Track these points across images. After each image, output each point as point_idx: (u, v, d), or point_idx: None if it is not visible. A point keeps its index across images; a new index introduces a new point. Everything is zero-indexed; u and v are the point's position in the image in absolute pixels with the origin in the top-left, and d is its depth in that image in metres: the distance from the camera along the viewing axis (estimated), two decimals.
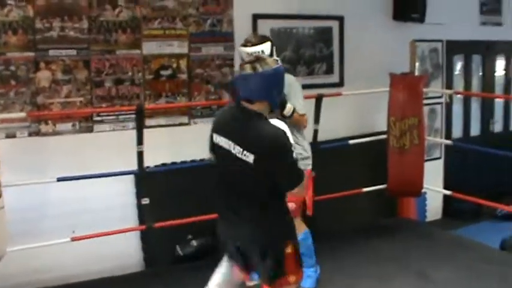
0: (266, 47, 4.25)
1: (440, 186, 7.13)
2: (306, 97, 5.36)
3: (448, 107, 7.49)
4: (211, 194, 3.41)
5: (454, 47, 7.46)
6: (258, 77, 3.01)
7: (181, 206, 5.15)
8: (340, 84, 6.28)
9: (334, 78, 6.27)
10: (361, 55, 6.37)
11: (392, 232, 6.07)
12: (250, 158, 2.96)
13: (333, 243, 5.60)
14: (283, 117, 4.14)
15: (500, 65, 8.42)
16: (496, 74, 8.37)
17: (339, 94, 5.85)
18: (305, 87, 5.76)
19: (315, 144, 5.44)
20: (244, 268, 3.34)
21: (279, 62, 3.40)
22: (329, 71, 6.23)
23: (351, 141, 5.98)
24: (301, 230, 4.55)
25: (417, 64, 6.96)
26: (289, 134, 3.04)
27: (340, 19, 6.28)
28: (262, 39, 4.32)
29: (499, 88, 8.42)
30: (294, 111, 4.27)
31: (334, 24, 6.26)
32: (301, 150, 4.45)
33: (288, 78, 4.03)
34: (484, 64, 8.13)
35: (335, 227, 5.94)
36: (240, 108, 3.10)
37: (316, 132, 5.49)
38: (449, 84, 7.47)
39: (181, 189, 5.24)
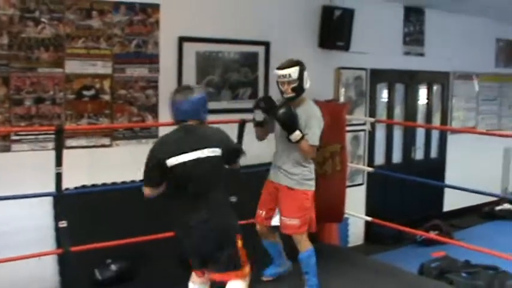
0: (293, 71, 4.69)
1: (362, 212, 7.23)
2: (229, 122, 5.40)
3: (371, 134, 7.63)
4: (166, 211, 3.92)
5: (378, 76, 7.63)
6: (189, 103, 3.84)
7: (101, 229, 5.05)
8: None
9: None
10: None
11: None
12: (218, 151, 3.84)
13: (256, 268, 5.57)
14: (290, 141, 4.70)
15: (422, 94, 8.65)
16: (418, 102, 8.59)
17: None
18: (229, 111, 5.85)
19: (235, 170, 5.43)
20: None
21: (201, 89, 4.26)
22: (253, 95, 6.22)
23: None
24: (306, 247, 5.04)
25: (342, 91, 7.08)
26: None
27: (267, 45, 6.32)
28: (291, 64, 4.76)
29: (421, 116, 8.65)
30: (301, 138, 4.62)
31: (261, 50, 6.30)
32: (307, 172, 4.88)
33: (310, 108, 4.81)
34: (407, 93, 8.33)
35: (258, 252, 5.91)
36: (183, 126, 3.87)
37: None
38: (372, 112, 7.61)
39: (101, 212, 5.14)
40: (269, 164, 5.23)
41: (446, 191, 8.83)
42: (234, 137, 5.38)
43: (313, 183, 4.97)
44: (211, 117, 5.20)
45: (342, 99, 7.04)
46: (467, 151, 8.98)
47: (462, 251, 6.27)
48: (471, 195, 7.40)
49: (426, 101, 8.73)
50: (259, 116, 4.98)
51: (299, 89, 4.76)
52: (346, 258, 6.26)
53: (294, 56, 6.40)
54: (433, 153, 8.90)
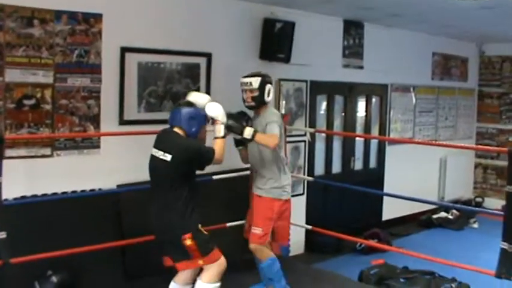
0: (255, 80, 5.06)
1: (302, 221, 7.32)
2: None
3: (311, 145, 7.73)
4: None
5: (317, 87, 7.74)
6: (178, 112, 4.45)
7: (41, 240, 4.99)
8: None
9: None
10: (227, 92, 6.40)
11: (255, 267, 6.12)
12: (168, 157, 4.25)
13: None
14: (246, 140, 4.94)
15: (361, 106, 8.81)
16: (357, 114, 8.75)
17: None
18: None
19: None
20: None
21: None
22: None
23: (215, 177, 6.04)
24: (267, 256, 5.21)
25: (282, 103, 7.16)
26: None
27: (208, 56, 6.37)
28: (255, 74, 5.16)
29: (360, 128, 8.81)
30: (254, 134, 4.80)
31: (202, 61, 6.33)
32: (276, 180, 5.14)
33: (269, 112, 5.15)
34: (346, 105, 8.48)
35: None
36: (167, 128, 4.52)
37: None
38: (312, 123, 7.72)
39: (42, 223, 5.08)
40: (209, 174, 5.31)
41: (385, 200, 9.00)
42: None
43: (282, 192, 5.17)
44: (152, 128, 5.28)
45: (282, 110, 7.12)
46: (405, 161, 9.18)
47: (401, 259, 6.44)
48: (409, 204, 7.64)
49: (365, 112, 8.89)
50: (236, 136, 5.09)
51: (259, 99, 5.08)
52: (287, 267, 6.31)
53: (235, 67, 6.53)
54: (372, 163, 9.06)
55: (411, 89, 9.62)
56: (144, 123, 5.80)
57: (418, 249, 6.25)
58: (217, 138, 4.57)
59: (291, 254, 7.30)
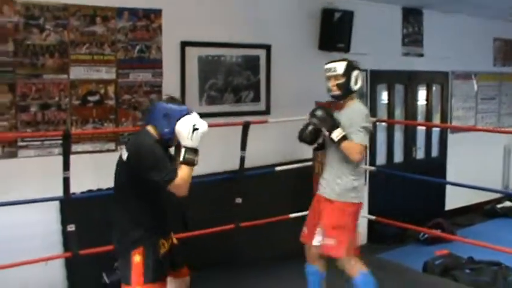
0: (339, 65, 4.43)
1: (365, 211, 7.26)
2: (232, 124, 5.44)
3: (372, 134, 7.67)
4: None
5: (377, 77, 7.68)
6: (154, 107, 3.72)
7: (108, 232, 5.08)
8: (267, 111, 6.37)
9: (261, 106, 6.36)
10: (287, 83, 6.48)
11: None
12: (125, 155, 3.51)
13: (260, 269, 5.64)
14: (331, 140, 4.36)
15: (422, 94, 8.70)
16: (418, 102, 8.64)
17: (265, 121, 5.91)
18: (232, 114, 5.91)
19: (241, 171, 5.51)
20: None
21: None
22: (256, 98, 6.31)
23: (278, 168, 6.06)
24: (357, 271, 4.43)
25: None
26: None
27: (268, 48, 6.38)
28: (340, 59, 4.54)
29: (421, 116, 8.70)
30: (343, 138, 4.26)
31: (262, 53, 6.36)
32: (352, 181, 4.42)
33: (354, 107, 4.44)
34: (407, 93, 8.39)
35: (262, 254, 5.97)
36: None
37: (242, 159, 5.56)
38: (373, 113, 7.64)
39: (108, 216, 5.17)
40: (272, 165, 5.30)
41: (448, 189, 8.87)
42: (238, 140, 5.47)
43: (357, 194, 4.46)
44: (214, 121, 5.32)
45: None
46: (468, 150, 9.03)
47: (465, 249, 6.33)
48: (472, 193, 7.51)
49: (426, 101, 8.78)
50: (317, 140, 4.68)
51: (345, 87, 4.42)
52: None
53: (294, 58, 6.53)
54: (434, 152, 8.94)
55: (472, 76, 9.44)
56: (206, 116, 5.75)
57: (483, 239, 6.13)
58: (181, 163, 3.51)
59: None
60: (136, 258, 3.48)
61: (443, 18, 8.56)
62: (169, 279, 3.76)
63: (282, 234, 6.10)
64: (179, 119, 3.51)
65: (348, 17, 6.86)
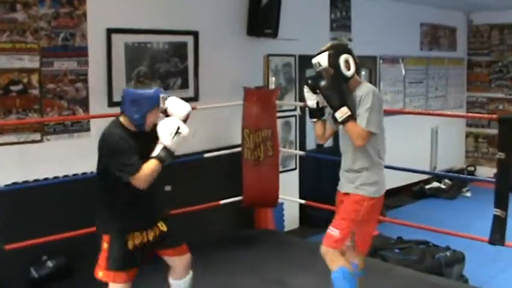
0: (323, 58, 3.90)
1: (296, 196, 7.34)
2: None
3: (302, 119, 7.72)
4: None
5: (306, 62, 7.67)
6: (123, 95, 3.67)
7: (35, 226, 4.98)
8: (195, 98, 6.31)
9: (189, 92, 6.30)
10: (216, 70, 6.45)
11: (250, 243, 6.18)
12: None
13: (192, 256, 5.61)
14: (334, 120, 3.91)
15: None
16: None
17: (193, 108, 5.84)
18: None
19: None
20: None
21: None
22: (184, 85, 6.26)
23: (206, 155, 6.05)
24: (337, 265, 3.96)
25: (271, 78, 7.15)
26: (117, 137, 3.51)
27: (195, 34, 6.33)
28: (322, 50, 3.96)
29: None
30: (350, 117, 3.79)
31: (189, 39, 6.30)
32: (369, 173, 3.98)
33: (362, 89, 3.89)
34: None
35: (192, 241, 5.94)
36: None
37: None
38: (302, 97, 7.67)
39: (34, 209, 5.07)
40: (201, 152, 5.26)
41: None
42: None
43: (375, 188, 4.00)
44: None
45: (272, 86, 7.11)
46: (396, 133, 9.14)
47: (395, 230, 6.46)
48: (402, 175, 7.64)
49: None
50: (310, 98, 4.14)
51: (338, 78, 3.91)
52: (282, 242, 6.38)
53: (222, 44, 6.49)
54: None
55: (400, 60, 9.61)
56: None
57: (412, 219, 6.29)
58: (152, 158, 3.52)
59: (286, 228, 7.38)
60: (104, 245, 3.60)
61: (371, 4, 8.68)
62: (170, 258, 3.95)
63: (213, 221, 6.12)
64: (147, 103, 3.55)
65: (275, 2, 6.85)
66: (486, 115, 10.22)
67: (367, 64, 8.98)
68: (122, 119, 3.62)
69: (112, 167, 3.46)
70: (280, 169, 6.61)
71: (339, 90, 3.85)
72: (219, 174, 6.29)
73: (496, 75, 10.93)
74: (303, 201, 6.66)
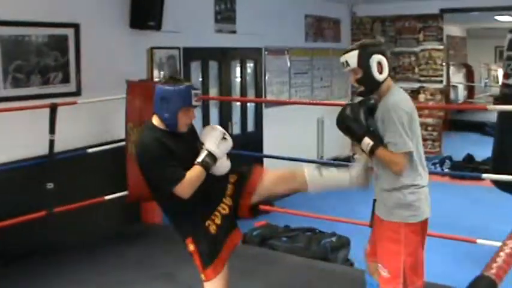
0: (351, 57, 3.42)
1: None
2: (39, 107, 5.24)
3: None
4: None
5: (191, 54, 7.70)
6: (157, 91, 3.37)
7: None
8: (78, 93, 6.13)
9: (71, 87, 6.11)
10: (98, 63, 6.32)
11: (136, 238, 6.13)
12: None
13: (79, 253, 5.53)
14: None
15: (236, 70, 8.85)
16: (233, 79, 8.78)
17: (74, 103, 5.74)
18: (40, 97, 5.67)
19: (51, 155, 5.34)
20: None
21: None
22: (65, 80, 6.06)
23: (90, 150, 5.94)
24: None
25: (155, 71, 7.09)
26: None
27: (76, 27, 6.16)
28: (351, 48, 3.49)
29: (236, 92, 8.85)
30: (372, 148, 3.34)
31: (70, 32, 6.12)
32: (403, 195, 3.39)
33: (387, 100, 3.40)
34: (221, 70, 8.48)
35: (78, 238, 5.84)
36: None
37: (52, 142, 5.39)
38: None
39: None
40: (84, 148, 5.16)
41: (266, 162, 9.09)
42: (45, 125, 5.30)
43: (414, 212, 3.41)
44: (19, 104, 5.11)
45: (156, 79, 7.05)
46: (283, 123, 9.33)
47: (283, 219, 6.59)
48: (289, 165, 7.74)
49: (240, 77, 8.93)
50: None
51: (368, 81, 3.44)
52: (170, 236, 6.32)
53: (105, 37, 6.37)
54: (250, 127, 9.14)
55: (285, 52, 9.74)
56: (11, 99, 5.55)
57: (300, 208, 6.40)
58: (197, 164, 3.35)
59: None
60: (191, 247, 3.43)
61: None
62: None
63: (98, 217, 6.03)
64: (178, 101, 3.29)
65: None
66: None
67: (252, 56, 9.05)
68: (154, 120, 3.39)
69: (153, 181, 3.34)
70: None
71: (355, 118, 3.43)
72: (104, 170, 6.19)
73: None
74: None
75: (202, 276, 3.45)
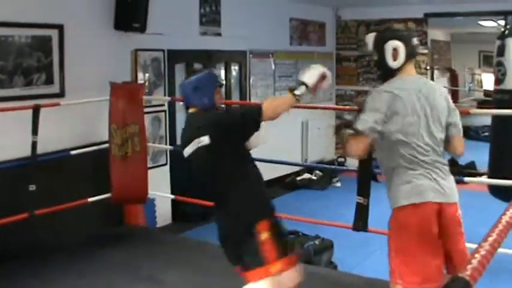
0: (368, 38, 3.51)
1: (168, 191, 7.31)
2: (21, 108, 5.22)
3: (171, 114, 7.70)
4: None
5: (175, 56, 7.70)
6: (181, 88, 3.68)
7: None
8: (61, 94, 6.11)
9: (55, 88, 6.09)
10: (82, 65, 6.30)
11: (120, 240, 6.11)
12: (205, 140, 3.36)
13: (62, 256, 5.51)
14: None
15: (221, 73, 8.86)
16: None
17: (57, 104, 5.73)
18: (23, 98, 5.65)
19: (34, 157, 5.32)
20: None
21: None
22: (49, 81, 6.03)
23: (73, 152, 5.92)
24: None
25: (140, 73, 7.08)
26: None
27: (60, 28, 6.14)
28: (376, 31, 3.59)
29: None
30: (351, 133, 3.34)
31: (54, 33, 6.10)
32: (398, 179, 3.33)
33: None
34: None
35: (60, 240, 5.82)
36: (187, 115, 3.65)
37: (34, 144, 5.36)
38: (172, 92, 7.68)
39: None
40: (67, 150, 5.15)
41: None
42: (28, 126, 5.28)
43: (406, 194, 3.28)
44: (2, 105, 5.09)
45: (140, 81, 7.04)
46: (268, 126, 9.31)
47: None
48: (273, 168, 7.78)
49: (224, 79, 8.93)
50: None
51: (380, 66, 3.47)
52: (153, 238, 6.36)
53: (89, 38, 6.35)
54: None
55: (270, 55, 9.76)
56: None
57: (284, 210, 6.34)
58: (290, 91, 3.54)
59: (159, 225, 7.35)
60: (264, 234, 3.25)
61: None
62: None
63: (81, 220, 6.01)
64: (210, 84, 3.59)
65: None
66: (351, 107, 10.55)
67: (237, 58, 9.07)
68: (193, 110, 3.59)
69: (244, 117, 3.61)
70: (151, 165, 6.59)
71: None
72: (87, 172, 6.18)
73: (364, 69, 11.32)
74: (172, 196, 6.66)
75: (274, 268, 3.20)
